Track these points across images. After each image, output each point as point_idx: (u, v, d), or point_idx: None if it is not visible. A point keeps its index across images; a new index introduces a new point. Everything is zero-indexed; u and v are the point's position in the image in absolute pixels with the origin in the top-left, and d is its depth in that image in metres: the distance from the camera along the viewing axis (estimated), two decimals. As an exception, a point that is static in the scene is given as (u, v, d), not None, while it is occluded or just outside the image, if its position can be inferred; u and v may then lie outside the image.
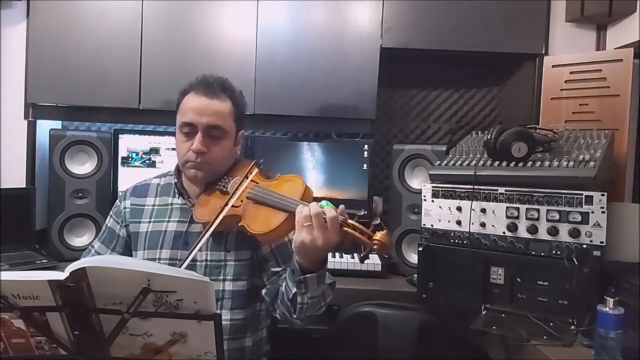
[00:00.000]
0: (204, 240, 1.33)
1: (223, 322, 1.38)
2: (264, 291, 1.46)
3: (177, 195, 1.50)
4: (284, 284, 1.36)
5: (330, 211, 1.21)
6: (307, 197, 1.34)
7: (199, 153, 1.39)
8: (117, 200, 1.57)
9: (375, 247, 1.20)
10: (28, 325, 1.01)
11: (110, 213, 1.57)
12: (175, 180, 1.51)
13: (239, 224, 1.34)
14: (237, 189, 1.38)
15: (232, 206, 1.36)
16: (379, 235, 1.20)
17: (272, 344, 1.56)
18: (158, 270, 0.96)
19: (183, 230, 1.45)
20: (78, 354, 1.02)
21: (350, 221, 1.23)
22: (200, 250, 1.42)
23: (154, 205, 1.51)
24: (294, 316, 1.31)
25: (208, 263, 1.42)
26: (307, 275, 1.25)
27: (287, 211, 1.28)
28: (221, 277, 1.41)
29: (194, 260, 1.41)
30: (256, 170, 1.44)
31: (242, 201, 1.37)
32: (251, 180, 1.41)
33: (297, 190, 1.34)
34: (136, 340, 1.02)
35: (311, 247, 1.20)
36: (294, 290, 1.28)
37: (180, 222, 1.46)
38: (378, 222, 1.23)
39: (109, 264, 0.96)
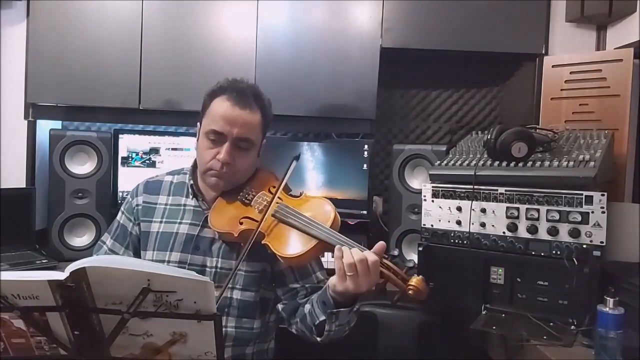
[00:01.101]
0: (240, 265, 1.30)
1: (228, 330, 1.38)
2: (280, 306, 1.44)
3: (191, 196, 1.47)
4: (308, 307, 1.34)
5: (370, 255, 1.19)
6: (336, 223, 1.30)
7: (225, 164, 1.36)
8: (129, 196, 1.53)
9: (410, 292, 1.17)
10: (28, 325, 1.01)
11: (122, 209, 1.53)
12: (192, 182, 1.48)
13: (262, 242, 1.31)
14: (266, 208, 1.33)
15: (256, 220, 1.33)
16: (414, 280, 1.18)
17: (275, 350, 1.55)
18: (158, 270, 0.96)
19: (194, 234, 1.42)
20: (78, 354, 1.02)
21: (385, 261, 1.21)
22: (211, 256, 1.41)
23: (166, 204, 1.48)
24: (318, 339, 1.31)
25: (218, 270, 1.40)
26: (341, 310, 1.24)
27: (317, 238, 1.25)
28: (230, 285, 1.38)
29: (203, 265, 1.41)
30: (281, 184, 1.39)
31: (265, 217, 1.33)
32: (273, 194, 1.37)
33: (327, 216, 1.31)
34: (136, 340, 1.02)
35: (354, 292, 1.20)
36: (322, 318, 1.27)
37: (192, 225, 1.44)
38: (413, 265, 1.22)
39: (109, 264, 0.96)
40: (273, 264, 1.42)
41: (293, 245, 1.28)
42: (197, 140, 1.45)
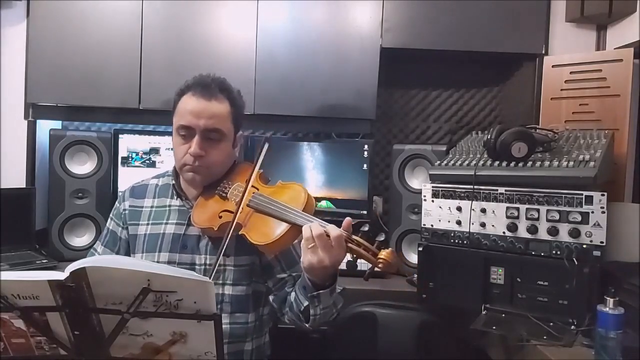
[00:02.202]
0: (221, 258, 1.31)
1: (223, 326, 1.37)
2: (271, 297, 1.45)
3: (175, 197, 1.49)
4: (293, 294, 1.35)
5: (333, 230, 1.19)
6: (309, 206, 1.31)
7: (197, 157, 1.37)
8: (117, 202, 1.56)
9: (380, 265, 1.17)
10: (28, 325, 1.01)
11: (111, 215, 1.55)
12: (174, 182, 1.49)
13: (239, 232, 1.32)
14: (240, 199, 1.34)
15: (232, 212, 1.34)
16: (384, 253, 1.18)
17: (272, 344, 1.55)
18: (158, 270, 0.96)
19: (181, 233, 1.44)
20: (78, 354, 1.02)
21: (354, 237, 1.21)
22: (199, 254, 1.42)
23: (152, 206, 1.50)
24: (307, 325, 1.31)
25: (207, 267, 1.40)
26: (320, 292, 1.25)
27: (288, 222, 1.26)
28: (220, 282, 1.39)
29: (192, 263, 1.41)
30: (256, 174, 1.41)
31: (242, 209, 1.34)
32: (252, 186, 1.38)
33: (299, 199, 1.32)
34: (136, 340, 1.02)
35: (319, 267, 1.20)
36: (306, 303, 1.28)
37: (179, 225, 1.45)
38: (383, 238, 1.22)
39: (109, 264, 0.96)
40: (261, 256, 1.43)
41: (268, 232, 1.29)
42: (172, 140, 1.46)
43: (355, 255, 1.21)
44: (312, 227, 1.20)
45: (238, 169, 1.49)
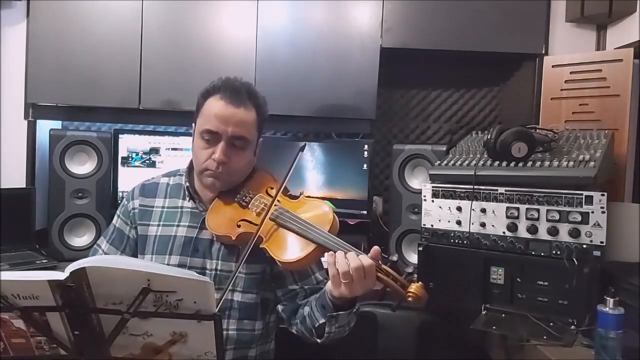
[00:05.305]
0: (240, 269, 1.29)
1: (230, 332, 1.37)
2: (280, 307, 1.44)
3: (187, 198, 1.46)
4: (307, 309, 1.34)
5: (365, 260, 1.18)
6: (334, 227, 1.29)
7: (221, 163, 1.35)
8: (125, 200, 1.52)
9: (409, 298, 1.17)
10: (28, 325, 1.01)
11: (118, 213, 1.52)
12: (187, 184, 1.46)
13: (260, 246, 1.30)
14: (265, 213, 1.31)
15: (254, 224, 1.32)
16: (414, 287, 1.17)
17: (275, 346, 1.55)
18: (158, 270, 0.96)
19: (193, 236, 1.41)
20: (78, 354, 1.02)
21: (383, 266, 1.20)
22: (211, 259, 1.40)
23: (163, 207, 1.47)
24: (318, 340, 1.31)
25: (218, 272, 1.38)
26: (340, 313, 1.24)
27: (314, 243, 1.25)
28: (231, 288, 1.36)
29: (203, 268, 1.39)
30: (278, 186, 1.38)
31: (265, 222, 1.31)
32: (272, 197, 1.36)
33: (325, 219, 1.29)
34: (136, 340, 1.02)
35: (350, 297, 1.20)
36: (322, 321, 1.27)
37: (191, 228, 1.42)
38: (411, 270, 1.21)
39: (109, 264, 0.96)
40: (272, 265, 1.41)
41: (291, 250, 1.27)
42: (193, 141, 1.43)
43: (383, 285, 1.21)
44: (350, 258, 1.18)
45: (256, 176, 1.47)
